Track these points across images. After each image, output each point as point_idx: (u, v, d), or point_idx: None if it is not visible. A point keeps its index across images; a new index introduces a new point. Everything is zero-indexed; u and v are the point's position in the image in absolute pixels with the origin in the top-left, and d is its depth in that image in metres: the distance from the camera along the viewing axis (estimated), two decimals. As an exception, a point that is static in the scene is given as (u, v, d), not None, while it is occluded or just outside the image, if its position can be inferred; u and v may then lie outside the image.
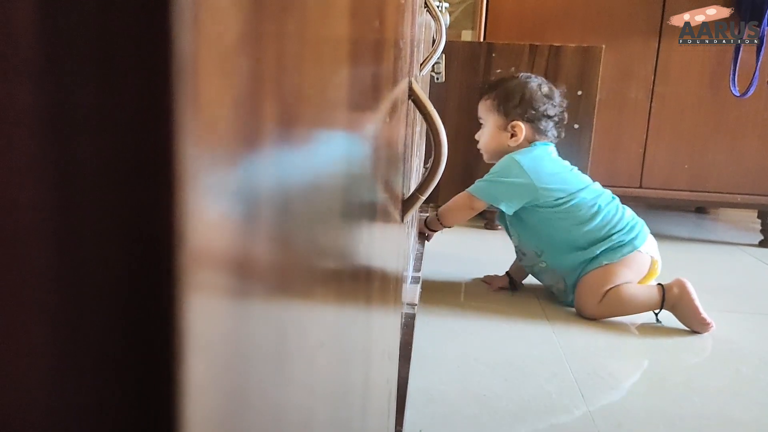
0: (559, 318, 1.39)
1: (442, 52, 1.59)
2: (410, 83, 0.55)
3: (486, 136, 1.52)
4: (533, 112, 1.48)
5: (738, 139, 2.00)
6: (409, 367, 0.92)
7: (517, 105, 1.48)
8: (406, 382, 0.87)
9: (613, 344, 1.26)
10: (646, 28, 1.97)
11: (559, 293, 1.49)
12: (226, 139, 0.12)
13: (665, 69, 1.98)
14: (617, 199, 1.47)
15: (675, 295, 1.33)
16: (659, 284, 1.36)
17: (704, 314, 1.30)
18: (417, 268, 1.33)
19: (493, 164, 1.50)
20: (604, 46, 1.83)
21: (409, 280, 1.19)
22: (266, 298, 0.16)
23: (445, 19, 1.66)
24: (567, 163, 1.50)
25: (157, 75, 0.10)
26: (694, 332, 1.32)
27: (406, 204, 0.58)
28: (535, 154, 1.46)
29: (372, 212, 0.39)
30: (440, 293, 1.49)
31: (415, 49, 0.64)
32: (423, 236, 1.54)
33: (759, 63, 1.86)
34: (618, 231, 1.40)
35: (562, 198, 1.41)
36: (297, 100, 0.18)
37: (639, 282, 1.40)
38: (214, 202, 0.12)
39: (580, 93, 1.82)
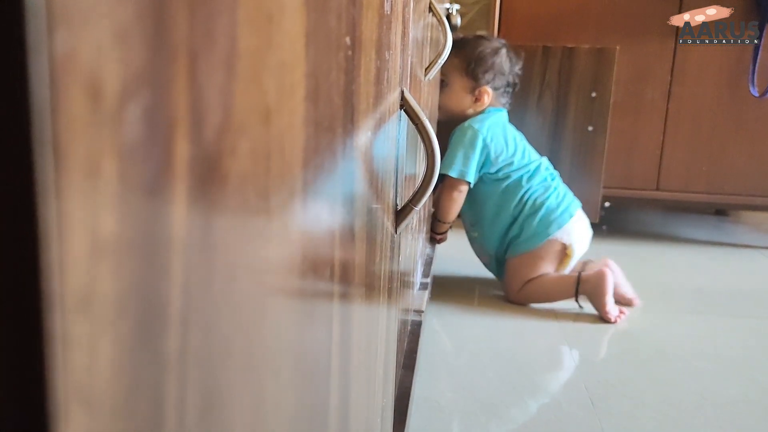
0: (572, 326, 1.37)
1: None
2: (402, 93, 0.55)
3: (449, 97, 1.51)
4: (501, 79, 1.51)
5: (757, 141, 1.96)
6: (413, 376, 0.91)
7: (487, 71, 1.49)
8: (410, 392, 0.86)
9: (625, 353, 1.23)
10: (662, 28, 1.93)
11: (487, 266, 1.58)
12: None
13: (682, 69, 1.95)
14: (556, 180, 1.51)
15: (589, 288, 1.40)
16: (579, 274, 1.42)
17: (609, 308, 1.37)
18: (426, 274, 1.32)
19: (447, 123, 1.52)
20: (618, 47, 1.80)
21: (416, 286, 1.18)
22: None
23: (456, 22, 1.65)
24: (517, 134, 1.53)
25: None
26: (709, 342, 1.30)
27: (400, 215, 0.57)
28: (491, 122, 1.48)
29: (362, 226, 0.38)
30: (451, 298, 1.48)
31: (409, 56, 0.63)
32: (435, 241, 1.53)
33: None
34: (534, 216, 1.45)
35: (504, 171, 1.46)
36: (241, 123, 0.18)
37: (558, 266, 1.47)
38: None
39: (594, 95, 1.80)
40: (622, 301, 1.44)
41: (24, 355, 0.11)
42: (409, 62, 0.62)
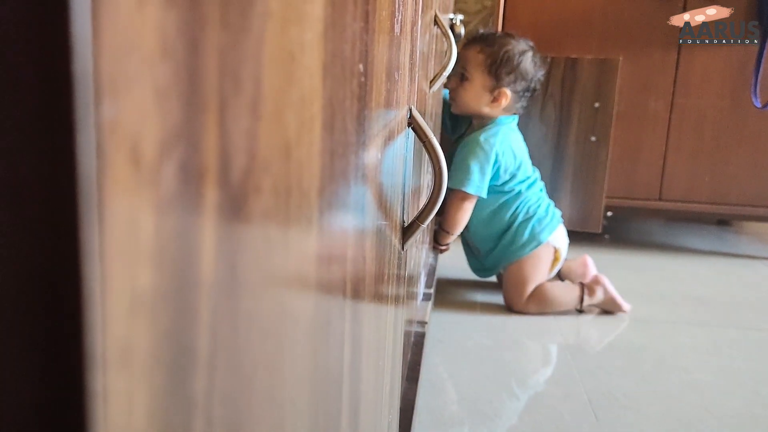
0: (574, 337, 1.37)
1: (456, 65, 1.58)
2: (410, 111, 0.55)
3: (468, 92, 1.49)
4: (523, 84, 1.48)
5: (760, 151, 1.96)
6: (417, 388, 0.91)
7: (510, 72, 1.46)
8: (414, 404, 0.86)
9: (628, 365, 1.23)
10: (664, 39, 1.94)
11: (472, 262, 1.61)
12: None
13: (685, 80, 1.95)
14: (543, 192, 1.56)
15: (595, 293, 1.46)
16: (580, 283, 1.48)
17: (621, 302, 1.46)
18: (429, 284, 1.32)
19: (460, 115, 1.55)
20: (621, 58, 1.80)
21: (419, 297, 1.18)
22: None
23: (460, 32, 1.65)
24: (522, 144, 1.54)
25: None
26: (712, 353, 1.30)
27: (407, 231, 0.57)
28: (503, 135, 1.47)
29: (372, 246, 0.39)
30: (453, 305, 1.48)
31: (417, 74, 0.63)
32: (438, 251, 1.53)
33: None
34: (527, 223, 1.48)
35: (509, 185, 1.48)
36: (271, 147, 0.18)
37: (550, 269, 1.52)
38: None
39: (597, 105, 1.80)
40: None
41: (65, 413, 0.11)
42: (417, 79, 0.63)
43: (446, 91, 1.60)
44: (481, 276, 1.62)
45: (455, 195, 1.45)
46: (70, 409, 0.11)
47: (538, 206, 1.51)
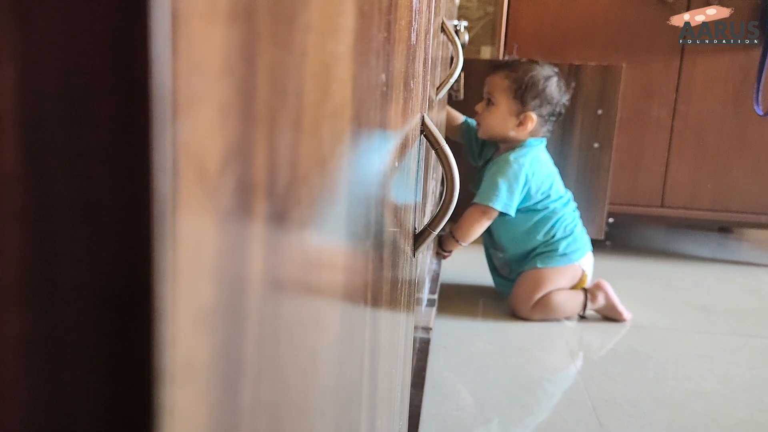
0: (578, 344, 1.37)
1: (461, 71, 1.59)
2: (423, 119, 0.55)
3: (494, 117, 1.51)
4: (548, 108, 1.50)
5: (762, 159, 1.97)
6: (422, 395, 0.91)
7: (536, 97, 1.48)
8: (419, 411, 0.86)
9: (632, 372, 1.23)
10: (667, 46, 1.95)
11: (497, 279, 1.60)
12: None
13: (688, 87, 1.96)
14: (577, 213, 1.57)
15: (597, 299, 1.47)
16: (583, 289, 1.49)
17: (622, 309, 1.47)
18: (433, 290, 1.32)
19: (485, 141, 1.57)
20: (624, 65, 1.81)
21: (424, 303, 1.18)
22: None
23: (464, 39, 1.66)
24: (552, 167, 1.56)
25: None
26: (714, 361, 1.30)
27: (418, 238, 0.58)
28: (533, 156, 1.49)
29: (389, 255, 0.39)
30: (457, 310, 1.48)
31: (428, 82, 0.63)
32: (440, 256, 1.53)
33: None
34: (564, 240, 1.49)
35: (542, 203, 1.49)
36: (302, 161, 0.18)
37: (570, 288, 1.51)
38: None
39: (600, 112, 1.80)
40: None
41: (137, 428, 0.11)
42: (428, 86, 0.63)
43: (472, 120, 1.62)
44: (508, 292, 1.57)
45: (477, 207, 1.45)
46: (141, 425, 0.11)
47: (575, 225, 1.51)
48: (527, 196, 1.47)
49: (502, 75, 1.51)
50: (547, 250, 1.48)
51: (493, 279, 1.63)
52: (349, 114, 0.25)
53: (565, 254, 1.48)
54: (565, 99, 1.53)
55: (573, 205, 1.55)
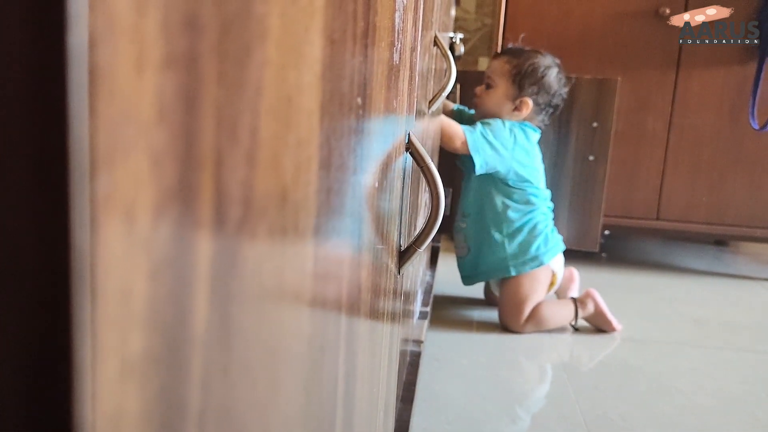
0: (570, 357, 1.37)
1: (456, 83, 1.59)
2: (408, 136, 0.55)
3: (491, 99, 1.52)
4: (545, 97, 1.52)
5: (757, 172, 1.97)
6: (411, 409, 0.91)
7: (534, 84, 1.50)
8: (408, 425, 0.85)
9: (624, 386, 1.23)
10: (663, 59, 1.95)
11: (459, 260, 1.59)
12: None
13: (684, 100, 1.96)
14: (551, 214, 1.57)
15: (587, 308, 1.48)
16: (572, 299, 1.50)
17: (611, 317, 1.47)
18: (425, 302, 1.31)
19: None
20: (619, 78, 1.81)
21: (416, 315, 1.18)
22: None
23: (459, 51, 1.66)
24: (540, 161, 1.56)
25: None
26: (708, 375, 1.29)
27: (403, 256, 0.57)
28: (525, 133, 1.50)
29: (368, 275, 0.39)
30: (449, 323, 1.48)
31: (415, 98, 0.63)
32: None
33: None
34: (534, 242, 1.49)
35: (519, 183, 1.48)
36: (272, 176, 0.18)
37: (546, 291, 1.52)
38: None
39: (595, 125, 1.81)
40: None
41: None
42: (415, 102, 0.63)
43: (463, 107, 1.64)
44: (468, 283, 1.59)
45: (462, 133, 1.43)
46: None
47: (546, 225, 1.51)
48: (506, 168, 1.46)
49: (504, 60, 1.54)
50: (518, 253, 1.48)
51: (458, 264, 1.61)
52: (316, 142, 0.25)
53: (536, 257, 1.48)
54: (563, 91, 1.55)
55: (549, 204, 1.56)
